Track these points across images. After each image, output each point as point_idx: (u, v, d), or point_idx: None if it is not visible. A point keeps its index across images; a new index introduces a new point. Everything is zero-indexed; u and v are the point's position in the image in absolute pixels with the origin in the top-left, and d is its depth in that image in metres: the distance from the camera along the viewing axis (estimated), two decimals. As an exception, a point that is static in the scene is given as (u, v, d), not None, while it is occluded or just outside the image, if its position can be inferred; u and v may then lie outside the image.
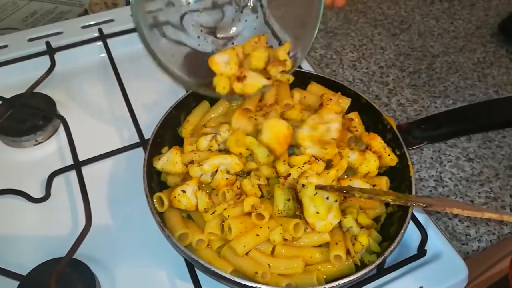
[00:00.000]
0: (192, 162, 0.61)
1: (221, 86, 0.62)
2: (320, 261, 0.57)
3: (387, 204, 0.63)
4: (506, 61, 0.93)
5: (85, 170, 0.67)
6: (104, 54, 0.85)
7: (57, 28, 0.88)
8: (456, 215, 0.69)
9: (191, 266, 0.58)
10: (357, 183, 0.61)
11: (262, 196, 0.59)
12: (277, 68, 0.63)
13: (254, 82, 0.62)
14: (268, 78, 0.64)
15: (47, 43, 0.84)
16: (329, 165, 0.62)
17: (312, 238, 0.58)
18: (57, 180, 0.68)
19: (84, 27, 0.89)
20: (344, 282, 0.52)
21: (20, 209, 0.66)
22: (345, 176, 0.63)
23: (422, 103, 0.84)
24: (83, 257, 0.59)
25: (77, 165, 0.67)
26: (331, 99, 0.67)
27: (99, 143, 0.72)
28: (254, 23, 0.70)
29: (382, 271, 0.59)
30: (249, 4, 0.70)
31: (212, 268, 0.51)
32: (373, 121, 0.69)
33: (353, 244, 0.57)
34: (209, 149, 0.63)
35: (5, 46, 0.85)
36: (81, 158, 0.69)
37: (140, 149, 0.70)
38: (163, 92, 0.82)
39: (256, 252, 0.56)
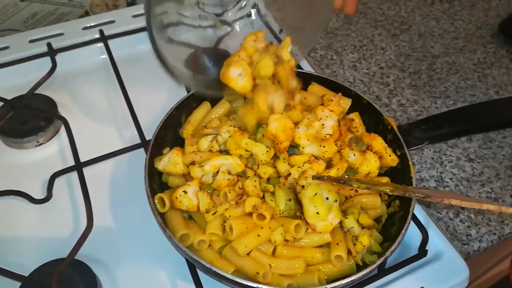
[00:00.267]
0: (193, 163, 0.61)
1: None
2: (321, 261, 0.57)
3: (388, 204, 0.63)
4: (506, 62, 0.93)
5: (86, 171, 0.67)
6: (105, 55, 0.85)
7: (58, 30, 0.88)
8: (457, 215, 0.69)
9: (192, 267, 0.58)
10: None
11: (263, 197, 0.60)
12: (284, 68, 0.63)
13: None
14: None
15: (48, 45, 0.84)
16: (329, 165, 0.62)
17: (313, 239, 0.58)
18: (58, 181, 0.68)
19: (85, 28, 0.89)
20: (345, 282, 0.52)
21: (21, 210, 0.66)
22: (346, 176, 0.63)
23: (422, 104, 0.85)
24: (84, 258, 0.59)
25: (79, 166, 0.67)
26: (332, 100, 0.67)
27: (100, 144, 0.72)
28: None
29: (383, 271, 0.59)
30: None
31: (214, 269, 0.51)
32: (374, 121, 0.69)
33: (354, 245, 0.57)
34: (210, 150, 0.63)
35: (6, 48, 0.85)
36: (83, 159, 0.69)
37: (141, 150, 0.70)
38: (164, 93, 0.82)
39: (257, 253, 0.56)
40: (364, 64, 0.92)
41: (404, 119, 0.82)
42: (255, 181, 0.59)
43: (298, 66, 0.83)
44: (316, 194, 0.56)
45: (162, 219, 0.56)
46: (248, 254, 0.55)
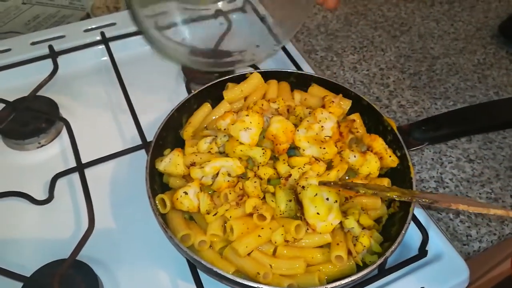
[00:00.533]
0: (193, 164, 0.61)
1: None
2: (321, 261, 0.57)
3: (388, 205, 0.63)
4: (506, 63, 0.94)
5: (87, 172, 0.68)
6: (107, 57, 0.85)
7: (59, 32, 0.89)
8: (457, 215, 0.69)
9: (193, 267, 0.58)
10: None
11: (264, 198, 0.60)
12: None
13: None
14: None
15: (50, 47, 0.84)
16: (330, 166, 0.62)
17: (313, 239, 0.58)
18: (60, 183, 0.69)
19: (86, 30, 0.89)
20: (346, 282, 0.52)
21: (23, 211, 0.66)
22: (346, 178, 0.63)
23: (422, 105, 0.85)
24: (86, 258, 0.59)
25: (80, 167, 0.68)
26: (332, 101, 0.67)
27: (101, 146, 0.72)
28: None
29: (383, 271, 0.59)
30: None
31: (215, 269, 0.51)
32: (374, 122, 0.69)
33: (355, 245, 0.57)
34: (209, 151, 0.64)
35: (8, 50, 0.85)
36: (84, 160, 0.69)
37: (143, 151, 0.70)
38: (165, 94, 0.82)
39: (258, 253, 0.56)
40: (364, 65, 0.92)
41: (404, 120, 0.82)
42: (255, 182, 0.60)
43: (299, 68, 0.83)
44: (316, 194, 0.56)
45: (163, 219, 0.56)
46: (248, 254, 0.56)
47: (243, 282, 0.51)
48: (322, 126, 0.63)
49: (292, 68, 0.82)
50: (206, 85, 0.70)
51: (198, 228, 0.58)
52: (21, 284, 0.56)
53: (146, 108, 0.76)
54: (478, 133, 0.79)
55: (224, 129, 0.63)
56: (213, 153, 0.63)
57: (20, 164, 0.72)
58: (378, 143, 0.64)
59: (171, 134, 0.67)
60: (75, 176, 0.69)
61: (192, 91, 0.71)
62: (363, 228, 0.59)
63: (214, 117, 0.69)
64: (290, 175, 0.60)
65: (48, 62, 0.83)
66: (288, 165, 0.61)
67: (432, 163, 0.76)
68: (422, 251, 0.62)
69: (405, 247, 0.64)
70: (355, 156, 0.62)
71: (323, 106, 0.67)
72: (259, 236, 0.56)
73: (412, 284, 0.60)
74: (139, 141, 0.71)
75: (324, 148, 0.61)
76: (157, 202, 0.58)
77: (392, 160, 0.64)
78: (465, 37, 0.99)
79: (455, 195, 0.72)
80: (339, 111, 0.67)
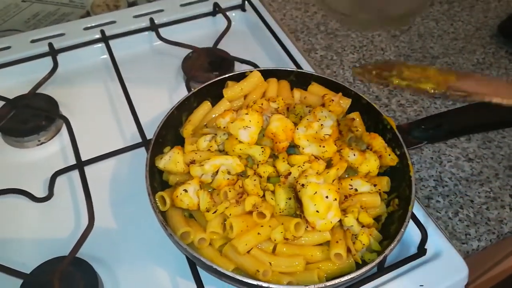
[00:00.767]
0: (193, 162, 0.62)
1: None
2: (321, 259, 0.57)
3: (388, 204, 0.63)
4: (505, 62, 0.94)
5: (87, 170, 0.68)
6: (106, 55, 0.85)
7: (59, 30, 0.89)
8: (456, 214, 0.69)
9: (193, 265, 0.58)
10: (358, 182, 0.62)
11: (263, 196, 0.60)
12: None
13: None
14: None
15: (50, 45, 0.84)
16: (329, 164, 0.62)
17: (313, 237, 0.58)
18: (60, 180, 0.69)
19: (86, 28, 0.89)
20: (345, 280, 0.52)
21: (23, 209, 0.66)
22: (346, 176, 0.63)
23: (422, 104, 0.85)
24: (85, 256, 0.59)
25: (80, 165, 0.68)
26: (332, 100, 0.67)
27: (101, 143, 0.73)
28: None
29: (382, 269, 0.60)
30: None
31: (214, 266, 0.51)
32: (373, 121, 0.69)
33: (354, 243, 0.58)
34: (209, 149, 0.64)
35: (8, 48, 0.85)
36: (84, 158, 0.69)
37: (142, 149, 0.70)
38: (165, 92, 0.83)
39: (257, 251, 0.56)
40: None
41: (404, 119, 0.82)
42: (255, 180, 0.60)
43: (298, 67, 0.83)
44: (316, 192, 0.56)
45: (163, 217, 0.56)
46: (248, 252, 0.56)
47: (243, 279, 0.51)
48: (321, 125, 0.63)
49: (292, 67, 0.83)
50: (206, 83, 0.70)
51: (198, 225, 0.58)
52: (21, 281, 0.56)
53: (146, 106, 0.76)
54: (477, 132, 0.79)
55: (224, 127, 0.63)
56: (212, 151, 0.64)
57: (20, 161, 0.72)
58: (378, 142, 0.65)
59: (171, 132, 0.67)
60: (75, 174, 0.69)
61: (192, 89, 0.71)
62: (363, 226, 0.59)
63: (214, 115, 0.69)
64: (289, 173, 0.60)
65: (48, 60, 0.83)
66: (288, 163, 0.61)
67: (431, 162, 0.76)
68: (421, 250, 0.62)
69: (404, 246, 0.64)
70: (354, 155, 0.62)
71: (323, 105, 0.67)
72: (258, 233, 0.56)
73: (411, 282, 0.60)
74: (139, 139, 0.71)
75: (324, 147, 0.61)
76: (157, 199, 0.58)
77: (391, 159, 0.64)
78: (465, 36, 0.99)
79: (452, 196, 0.72)
80: (339, 110, 0.67)
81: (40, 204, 0.66)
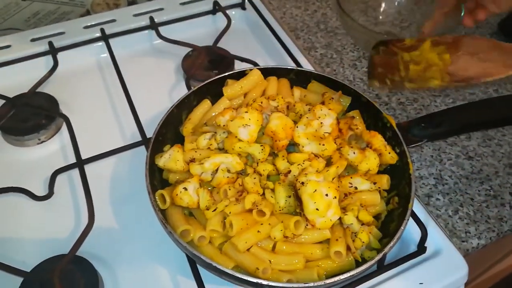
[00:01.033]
0: (193, 160, 0.62)
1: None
2: (320, 257, 0.57)
3: (387, 202, 0.63)
4: (505, 60, 0.94)
5: (87, 168, 0.68)
6: (106, 54, 0.85)
7: (59, 29, 0.89)
8: (456, 212, 0.69)
9: (193, 263, 0.59)
10: (357, 180, 0.62)
11: (263, 194, 0.60)
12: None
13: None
14: None
15: (50, 43, 0.84)
16: (329, 163, 0.62)
17: (312, 235, 0.58)
18: (60, 178, 0.69)
19: (86, 27, 0.89)
20: (344, 278, 0.52)
21: (23, 207, 0.66)
22: (346, 174, 0.63)
23: (422, 102, 0.85)
24: (86, 254, 0.60)
25: (80, 163, 0.68)
26: (332, 98, 0.67)
27: (101, 142, 0.73)
28: None
29: (382, 267, 0.60)
30: None
31: (214, 264, 0.52)
32: (373, 119, 0.69)
33: (353, 241, 0.58)
34: (209, 148, 0.64)
35: (8, 46, 0.85)
36: (84, 156, 0.69)
37: (142, 147, 0.71)
38: (165, 91, 0.83)
39: (257, 249, 0.56)
40: (364, 62, 0.92)
41: (404, 117, 0.82)
42: (254, 178, 0.60)
43: (298, 65, 0.83)
44: (315, 190, 0.56)
45: (163, 215, 0.56)
46: (248, 250, 0.56)
47: (242, 277, 0.51)
48: (321, 123, 0.63)
49: (292, 65, 0.82)
50: (206, 82, 0.70)
51: (198, 223, 0.58)
52: (21, 279, 0.57)
53: (146, 104, 0.77)
54: (477, 130, 0.79)
55: (223, 126, 0.63)
56: (212, 149, 0.64)
57: (20, 160, 0.72)
58: (378, 140, 0.65)
59: (170, 131, 0.67)
60: (75, 172, 0.69)
61: (192, 88, 0.71)
62: (362, 224, 0.59)
63: (213, 114, 0.69)
64: (289, 171, 0.60)
65: (48, 59, 0.84)
66: (288, 162, 0.61)
67: (431, 160, 0.76)
68: (421, 248, 0.62)
69: (404, 244, 0.64)
70: (354, 153, 0.62)
71: (323, 103, 0.67)
72: (258, 231, 0.56)
73: (411, 280, 0.60)
74: (139, 137, 0.71)
75: (323, 145, 0.62)
76: (156, 197, 0.58)
77: (391, 157, 0.64)
78: (465, 34, 0.99)
79: (452, 194, 0.72)
80: (339, 108, 0.67)
81: (41, 202, 0.67)
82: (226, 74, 0.72)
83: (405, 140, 0.65)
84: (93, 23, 0.90)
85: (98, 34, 0.88)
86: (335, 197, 0.56)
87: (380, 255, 0.54)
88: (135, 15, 0.92)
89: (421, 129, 0.66)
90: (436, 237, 0.64)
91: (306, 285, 0.52)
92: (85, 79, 0.84)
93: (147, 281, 0.60)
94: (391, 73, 0.67)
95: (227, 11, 0.93)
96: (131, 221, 0.65)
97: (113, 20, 0.91)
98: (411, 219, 0.62)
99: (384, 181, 0.63)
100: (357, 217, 0.58)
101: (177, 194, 0.57)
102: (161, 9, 0.94)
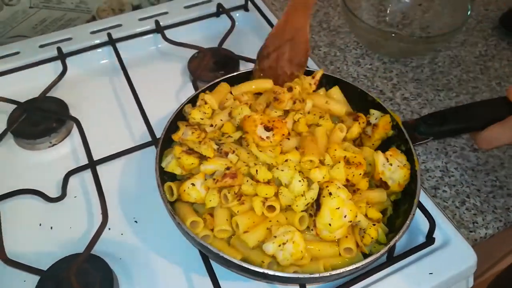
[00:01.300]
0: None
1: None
2: (327, 255, 0.57)
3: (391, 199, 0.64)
4: (507, 54, 0.95)
5: (99, 169, 0.69)
6: (114, 58, 0.86)
7: (67, 34, 0.90)
8: (463, 203, 0.70)
9: (206, 259, 0.59)
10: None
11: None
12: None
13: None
14: None
15: (58, 49, 0.86)
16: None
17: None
18: (72, 180, 0.70)
19: (93, 32, 0.91)
20: (350, 270, 0.53)
21: (37, 209, 0.68)
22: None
23: (426, 97, 0.86)
24: (100, 253, 0.61)
25: (92, 164, 0.69)
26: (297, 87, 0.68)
27: (111, 143, 0.74)
28: None
29: (391, 259, 0.61)
30: None
31: (221, 254, 0.52)
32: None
33: (362, 237, 0.58)
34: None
35: (17, 53, 0.87)
36: (95, 158, 0.71)
37: (152, 147, 0.72)
38: (172, 92, 0.84)
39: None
40: (367, 59, 0.93)
41: (408, 112, 0.83)
42: (251, 184, 0.59)
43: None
44: (338, 208, 0.55)
45: (172, 208, 0.57)
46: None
47: (251, 268, 0.51)
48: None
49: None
50: (213, 82, 0.71)
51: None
52: (38, 277, 0.58)
53: (154, 106, 0.78)
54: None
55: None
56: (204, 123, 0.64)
57: (32, 163, 0.74)
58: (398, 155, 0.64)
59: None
60: (87, 174, 0.70)
61: (199, 88, 0.72)
62: (371, 220, 0.59)
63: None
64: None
65: (57, 64, 0.85)
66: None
67: (437, 153, 0.77)
68: (430, 239, 0.63)
69: (412, 235, 0.65)
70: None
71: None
72: (268, 229, 0.57)
73: (421, 270, 0.61)
74: (148, 138, 0.73)
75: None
76: (165, 189, 0.59)
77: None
78: (466, 29, 1.00)
79: (458, 186, 0.73)
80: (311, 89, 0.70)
81: (54, 204, 0.68)
82: (233, 74, 0.73)
83: (411, 138, 0.65)
84: (99, 28, 0.92)
85: (105, 39, 0.89)
86: (350, 221, 0.56)
87: (386, 248, 0.55)
88: (141, 19, 0.94)
89: (427, 127, 0.66)
90: (444, 228, 0.65)
91: (313, 275, 0.52)
92: (93, 83, 0.86)
93: (161, 278, 0.61)
94: None
95: (231, 13, 0.94)
96: (143, 219, 0.67)
97: (119, 25, 0.93)
98: (419, 211, 0.63)
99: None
100: (365, 215, 0.59)
101: (184, 190, 0.58)
102: (166, 13, 0.95)
